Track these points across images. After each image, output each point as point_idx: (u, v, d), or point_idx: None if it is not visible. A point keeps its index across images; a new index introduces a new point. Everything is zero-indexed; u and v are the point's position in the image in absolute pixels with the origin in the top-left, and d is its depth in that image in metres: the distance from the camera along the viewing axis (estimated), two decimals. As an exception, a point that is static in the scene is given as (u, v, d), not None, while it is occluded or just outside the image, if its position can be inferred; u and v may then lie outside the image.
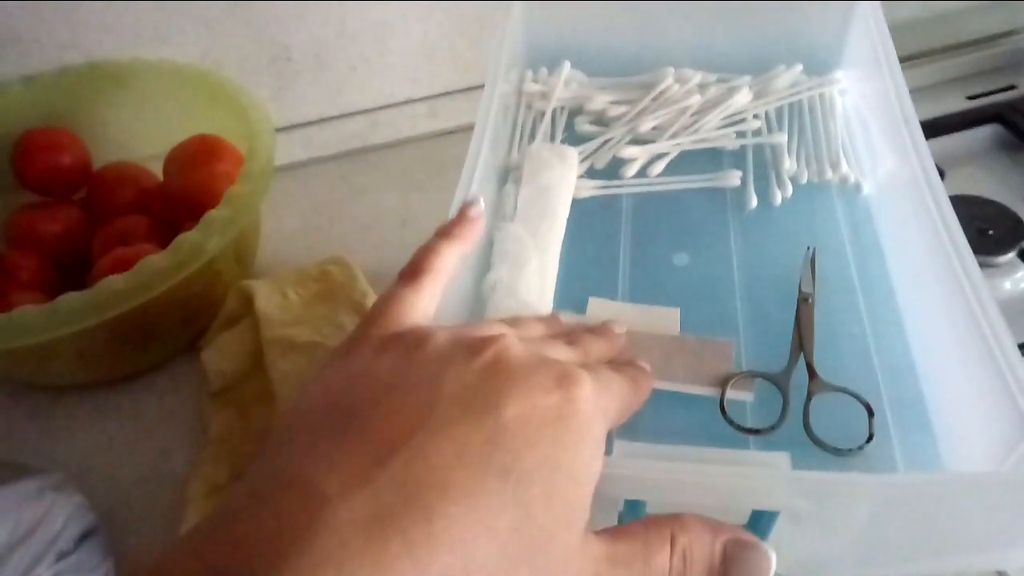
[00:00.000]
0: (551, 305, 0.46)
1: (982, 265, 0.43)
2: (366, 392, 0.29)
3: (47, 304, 0.54)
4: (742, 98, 0.56)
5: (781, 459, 0.34)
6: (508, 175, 0.53)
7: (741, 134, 0.56)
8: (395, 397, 0.28)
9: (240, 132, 0.68)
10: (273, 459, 0.28)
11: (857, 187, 0.51)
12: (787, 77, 0.58)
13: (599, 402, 0.31)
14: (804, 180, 0.52)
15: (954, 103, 0.87)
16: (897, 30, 0.55)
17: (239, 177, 0.62)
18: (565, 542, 0.28)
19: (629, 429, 0.36)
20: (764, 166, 0.54)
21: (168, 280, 0.57)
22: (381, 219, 0.80)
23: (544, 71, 0.60)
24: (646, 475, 0.32)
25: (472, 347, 0.31)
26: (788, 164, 0.53)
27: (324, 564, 0.23)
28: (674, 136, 0.55)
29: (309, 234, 0.79)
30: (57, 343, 0.55)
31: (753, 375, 0.42)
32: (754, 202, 0.51)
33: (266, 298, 0.64)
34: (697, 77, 0.58)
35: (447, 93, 0.90)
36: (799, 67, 0.58)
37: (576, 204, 0.52)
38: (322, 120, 0.87)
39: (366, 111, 0.88)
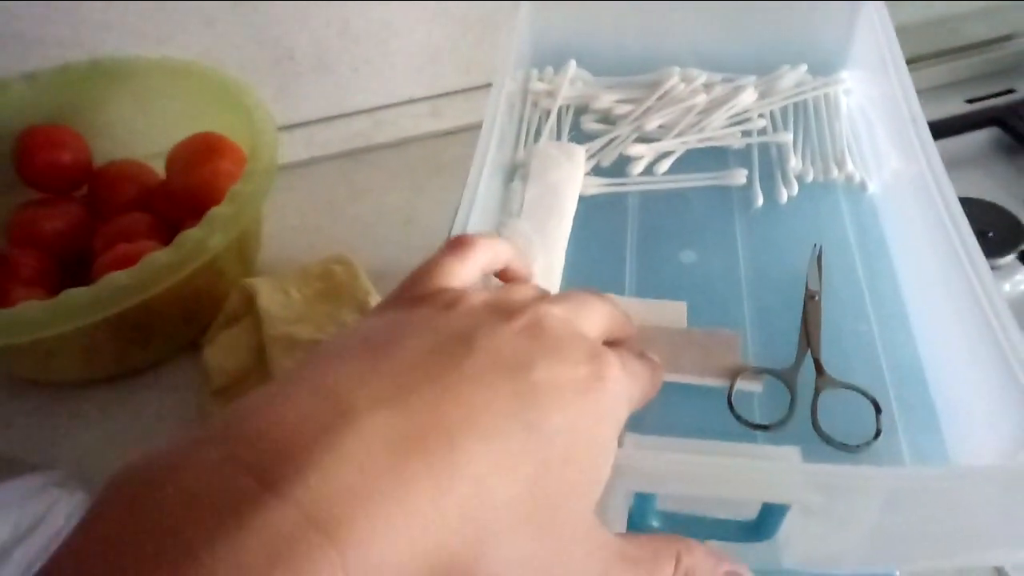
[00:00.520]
0: (557, 302, 0.46)
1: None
2: (400, 335, 0.29)
3: (49, 300, 0.54)
4: (747, 97, 0.57)
5: (792, 453, 0.34)
6: (515, 172, 0.53)
7: (747, 133, 0.56)
8: (429, 341, 0.28)
9: (243, 130, 0.68)
10: (303, 370, 0.27)
11: (863, 186, 0.52)
12: (792, 77, 0.58)
13: (624, 386, 0.31)
14: (810, 179, 0.53)
15: (953, 106, 0.87)
16: (896, 33, 0.55)
17: (242, 175, 0.62)
18: (575, 512, 0.28)
19: (637, 424, 0.36)
20: (770, 165, 0.54)
21: (171, 277, 0.57)
22: (383, 218, 0.80)
23: (550, 70, 0.60)
24: (658, 467, 0.32)
25: (508, 311, 0.31)
26: (794, 163, 0.53)
27: (347, 465, 0.23)
28: (680, 135, 0.55)
29: (311, 233, 0.79)
30: (59, 339, 0.55)
31: (761, 371, 0.42)
32: (760, 200, 0.52)
33: (268, 296, 0.64)
34: (702, 77, 0.58)
35: (449, 93, 0.90)
36: (804, 67, 0.59)
37: (583, 201, 0.52)
38: (325, 119, 0.88)
39: (369, 110, 0.88)
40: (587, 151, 0.55)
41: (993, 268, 0.65)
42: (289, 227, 0.79)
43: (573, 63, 0.59)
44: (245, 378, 0.64)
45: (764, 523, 0.35)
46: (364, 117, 0.88)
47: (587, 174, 0.54)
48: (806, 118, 0.57)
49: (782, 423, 0.39)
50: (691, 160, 0.55)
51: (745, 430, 0.39)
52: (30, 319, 0.53)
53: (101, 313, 0.55)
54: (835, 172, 0.52)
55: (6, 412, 0.65)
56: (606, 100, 0.58)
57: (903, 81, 0.50)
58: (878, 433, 0.38)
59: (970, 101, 0.88)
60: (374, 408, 0.25)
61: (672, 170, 0.54)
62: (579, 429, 0.28)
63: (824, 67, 0.59)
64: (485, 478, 0.25)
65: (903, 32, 0.55)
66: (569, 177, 0.52)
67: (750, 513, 0.35)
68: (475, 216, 0.44)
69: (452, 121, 0.89)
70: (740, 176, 0.53)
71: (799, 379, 0.41)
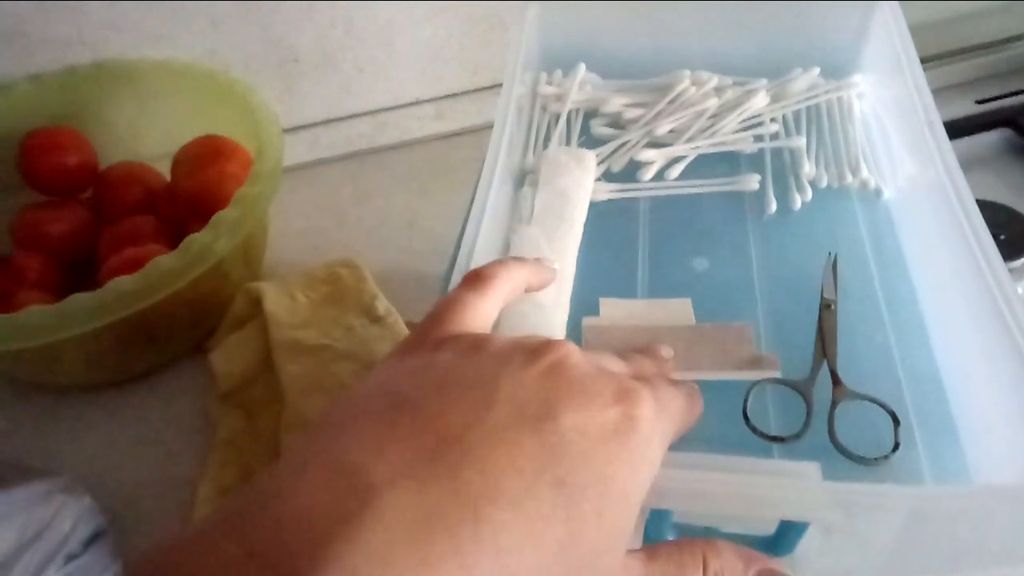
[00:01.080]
0: (567, 310, 0.46)
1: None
2: (421, 387, 0.28)
3: (55, 305, 0.53)
4: (759, 101, 0.56)
5: (811, 469, 0.33)
6: (524, 178, 0.53)
7: (759, 138, 0.55)
8: (450, 393, 0.28)
9: (248, 132, 0.68)
10: (317, 440, 0.27)
11: (877, 192, 0.51)
12: (804, 80, 0.57)
13: (658, 422, 0.30)
14: (823, 184, 0.52)
15: (964, 107, 0.87)
16: (906, 33, 0.55)
17: (248, 178, 0.62)
18: (609, 563, 0.28)
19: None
20: (783, 170, 0.54)
21: (177, 281, 0.57)
22: (388, 221, 0.80)
23: (559, 73, 0.60)
24: (675, 484, 0.31)
25: (532, 352, 0.30)
26: (807, 168, 0.53)
27: (370, 556, 0.22)
28: (691, 139, 0.55)
29: (316, 236, 0.79)
30: (65, 344, 0.55)
31: (776, 382, 0.41)
32: (773, 206, 0.51)
33: (274, 300, 0.64)
34: (713, 80, 0.58)
35: (454, 95, 0.89)
36: (816, 70, 0.58)
37: (593, 207, 0.51)
38: (328, 121, 0.87)
39: (373, 112, 0.88)
40: (597, 156, 0.54)
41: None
42: (294, 230, 0.79)
43: (582, 66, 0.59)
44: (252, 382, 0.63)
45: (782, 539, 0.34)
46: (368, 119, 0.87)
47: (597, 180, 0.53)
48: (819, 122, 0.56)
49: (798, 435, 0.39)
50: (702, 165, 0.54)
51: (761, 442, 0.39)
52: (35, 324, 0.53)
53: (107, 318, 0.54)
54: (849, 178, 0.52)
55: (11, 416, 0.64)
56: (616, 104, 0.57)
57: (919, 83, 0.50)
58: (896, 446, 0.38)
59: (980, 102, 0.88)
60: (394, 484, 0.24)
61: (683, 175, 0.54)
62: (611, 478, 0.27)
63: (836, 70, 0.59)
64: (512, 550, 0.24)
65: (913, 32, 0.54)
66: (579, 183, 0.51)
67: (768, 527, 0.34)
68: (486, 224, 0.43)
69: (457, 123, 0.89)
70: (753, 182, 0.52)
71: (815, 390, 0.40)
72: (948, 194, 0.43)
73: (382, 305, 0.65)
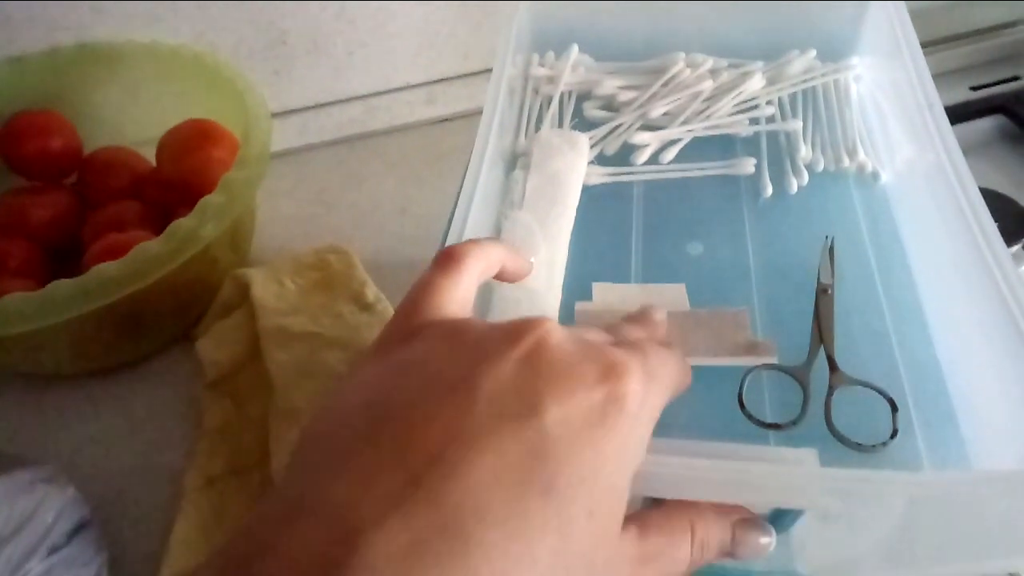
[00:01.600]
0: (560, 295, 0.45)
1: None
2: (400, 393, 0.27)
3: (38, 291, 0.52)
4: (755, 84, 0.55)
5: (809, 456, 0.32)
6: (516, 161, 0.52)
7: (755, 120, 0.54)
8: (430, 397, 0.27)
9: (235, 116, 0.67)
10: (302, 478, 0.26)
11: (875, 175, 0.50)
12: (801, 63, 0.56)
13: (647, 395, 0.29)
14: (820, 168, 0.51)
15: (957, 94, 0.86)
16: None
17: (235, 163, 0.61)
18: (605, 553, 0.27)
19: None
20: (779, 153, 0.53)
21: (162, 267, 0.56)
22: (379, 207, 0.79)
23: (551, 55, 0.59)
24: (672, 472, 0.30)
25: (510, 334, 0.29)
26: (804, 152, 0.52)
27: None
28: (686, 122, 0.54)
29: (305, 221, 0.78)
30: (48, 331, 0.54)
31: (772, 369, 0.40)
32: (769, 190, 0.50)
33: (262, 287, 0.63)
34: (708, 62, 0.57)
35: (446, 79, 0.88)
36: (813, 52, 0.57)
37: (586, 191, 0.51)
38: (318, 105, 0.86)
39: (363, 97, 0.87)
40: (590, 139, 0.53)
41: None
42: (283, 216, 0.78)
43: (575, 48, 0.58)
44: (239, 370, 0.63)
45: (776, 523, 0.33)
46: (358, 103, 0.86)
47: (590, 163, 0.52)
48: (815, 105, 0.55)
49: (794, 422, 0.38)
50: (697, 148, 0.53)
51: (757, 429, 0.38)
52: (17, 311, 0.52)
53: (90, 305, 0.53)
54: (846, 161, 0.51)
55: (-7, 406, 0.63)
56: (609, 86, 0.56)
57: (918, 66, 0.49)
58: (895, 433, 0.37)
59: (975, 88, 0.87)
60: (380, 520, 0.23)
61: (678, 159, 0.53)
62: (599, 470, 0.27)
63: (833, 52, 0.58)
64: (508, 571, 0.24)
65: (907, 17, 0.53)
66: (572, 166, 0.50)
67: (763, 507, 0.34)
68: (475, 208, 0.42)
69: (448, 108, 0.88)
70: (749, 165, 0.51)
71: (812, 376, 0.40)
72: (949, 178, 0.42)
73: (372, 292, 0.64)
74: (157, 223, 0.67)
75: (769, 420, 0.38)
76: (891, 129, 0.51)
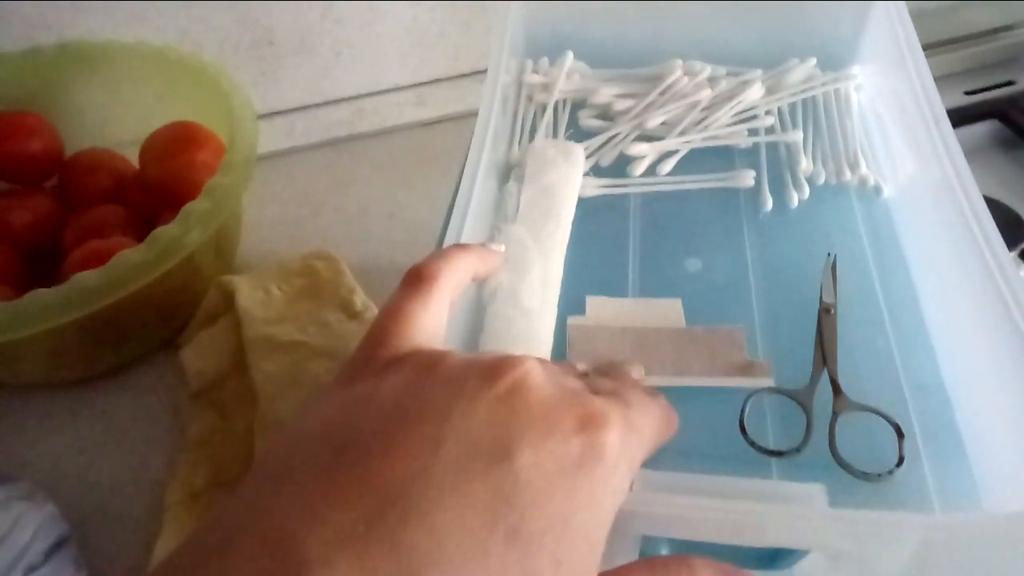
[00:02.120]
0: (555, 312, 0.43)
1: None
2: (365, 422, 0.26)
3: (15, 301, 0.51)
4: (754, 93, 0.54)
5: (816, 492, 0.31)
6: (509, 172, 0.50)
7: (754, 131, 0.53)
8: (397, 431, 0.25)
9: (221, 119, 0.65)
10: (254, 499, 0.24)
11: (877, 190, 0.49)
12: (800, 71, 0.55)
13: (626, 447, 0.28)
14: (821, 181, 0.50)
15: (952, 99, 0.86)
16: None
17: (220, 167, 0.59)
18: None
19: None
20: (779, 166, 0.52)
21: (145, 276, 0.54)
22: (367, 210, 0.78)
23: (545, 61, 0.57)
24: (671, 511, 0.29)
25: (488, 372, 0.27)
26: (804, 164, 0.50)
27: None
28: (684, 133, 0.53)
29: (292, 226, 0.77)
30: (26, 341, 0.52)
31: (774, 392, 0.39)
32: (769, 204, 0.49)
33: (248, 294, 0.62)
34: (707, 70, 0.55)
35: (435, 81, 0.87)
36: (813, 61, 0.56)
37: (581, 203, 0.49)
38: (305, 107, 0.84)
39: (351, 98, 0.85)
40: (585, 150, 0.52)
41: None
42: (269, 220, 0.77)
43: (570, 54, 0.56)
44: (224, 380, 0.61)
45: (779, 557, 0.32)
46: (346, 105, 0.85)
47: (586, 174, 0.51)
48: (816, 115, 0.54)
49: (798, 449, 0.37)
50: (696, 160, 0.52)
51: (759, 456, 0.37)
52: (-7, 321, 0.50)
53: (70, 315, 0.52)
54: (848, 174, 0.50)
55: (-31, 417, 0.62)
56: (605, 94, 0.55)
57: (923, 77, 0.48)
58: (901, 460, 0.36)
59: (969, 93, 0.87)
60: (329, 561, 0.22)
61: (676, 171, 0.51)
62: (570, 519, 0.25)
63: (834, 60, 0.57)
64: None
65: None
66: (567, 178, 0.49)
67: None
68: (468, 221, 0.41)
69: (437, 110, 0.86)
70: (748, 178, 0.50)
71: (815, 400, 0.38)
72: (955, 194, 0.41)
73: (360, 299, 0.63)
74: (140, 228, 0.66)
75: (772, 447, 0.37)
76: (893, 141, 0.50)
